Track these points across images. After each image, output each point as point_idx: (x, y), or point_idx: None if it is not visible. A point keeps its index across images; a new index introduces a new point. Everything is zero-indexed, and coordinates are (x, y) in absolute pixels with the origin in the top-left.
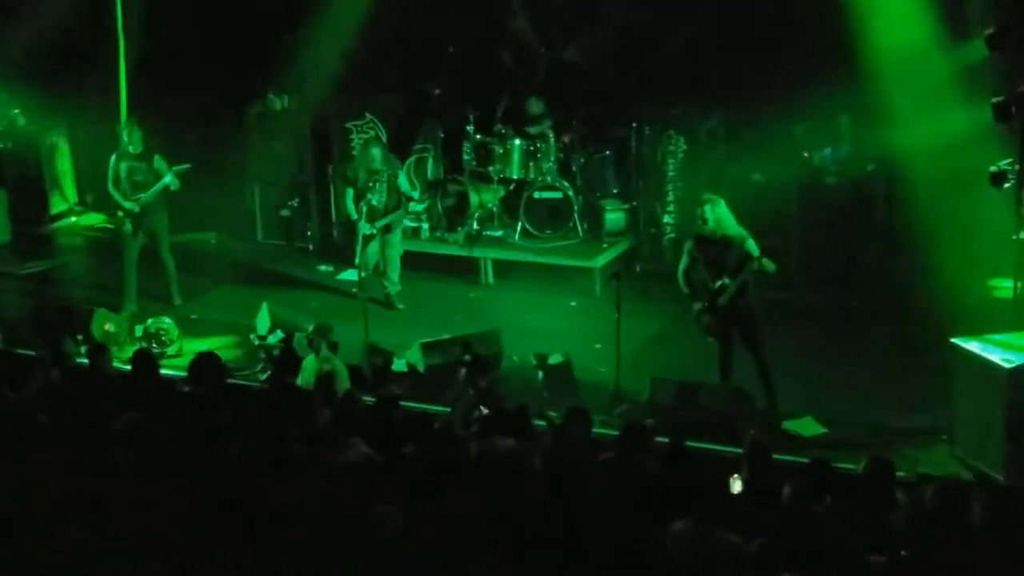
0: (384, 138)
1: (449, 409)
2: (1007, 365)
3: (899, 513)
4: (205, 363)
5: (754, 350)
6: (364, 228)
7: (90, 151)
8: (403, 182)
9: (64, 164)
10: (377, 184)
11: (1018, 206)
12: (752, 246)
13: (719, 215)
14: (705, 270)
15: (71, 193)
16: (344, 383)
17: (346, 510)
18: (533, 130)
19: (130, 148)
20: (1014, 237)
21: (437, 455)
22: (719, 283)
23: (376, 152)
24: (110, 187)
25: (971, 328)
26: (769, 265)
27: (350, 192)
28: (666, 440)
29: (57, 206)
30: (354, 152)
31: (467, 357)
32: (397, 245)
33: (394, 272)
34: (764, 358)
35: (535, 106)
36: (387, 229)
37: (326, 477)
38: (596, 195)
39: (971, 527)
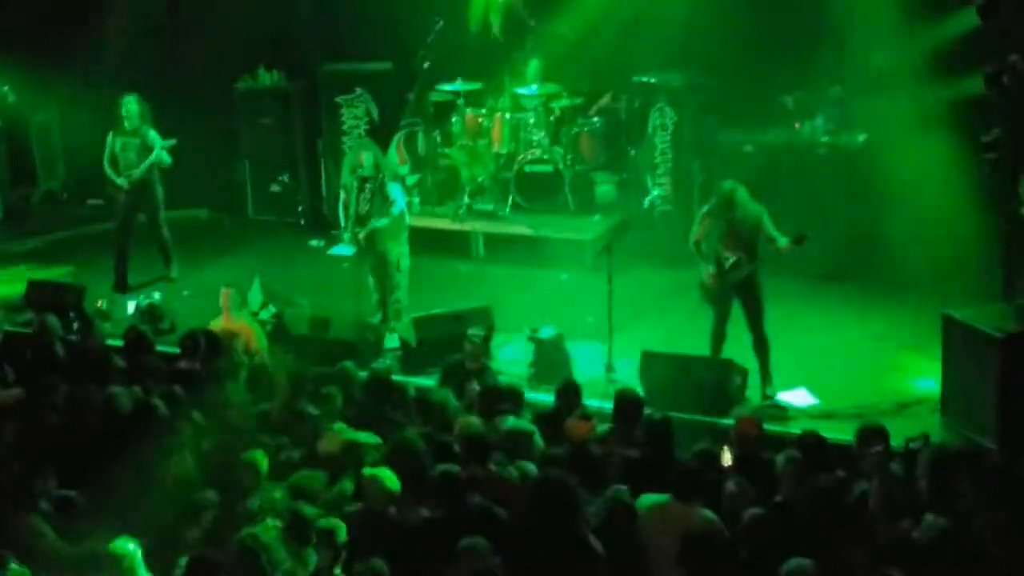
0: (375, 113)
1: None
2: (999, 334)
3: (897, 483)
4: (198, 339)
5: (754, 324)
6: (347, 238)
7: (81, 129)
8: (392, 189)
9: (54, 142)
10: (362, 193)
11: (1012, 177)
12: (768, 223)
13: (742, 200)
14: (718, 242)
15: (61, 171)
16: (258, 343)
17: None
18: (524, 90)
19: (125, 124)
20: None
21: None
22: (732, 259)
23: (368, 157)
24: (105, 164)
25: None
26: (784, 241)
27: (341, 196)
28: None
29: (47, 184)
30: (347, 148)
31: (478, 331)
32: (398, 261)
33: (401, 292)
34: (763, 332)
35: (533, 70)
36: (381, 251)
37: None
38: (587, 167)
39: (964, 496)
